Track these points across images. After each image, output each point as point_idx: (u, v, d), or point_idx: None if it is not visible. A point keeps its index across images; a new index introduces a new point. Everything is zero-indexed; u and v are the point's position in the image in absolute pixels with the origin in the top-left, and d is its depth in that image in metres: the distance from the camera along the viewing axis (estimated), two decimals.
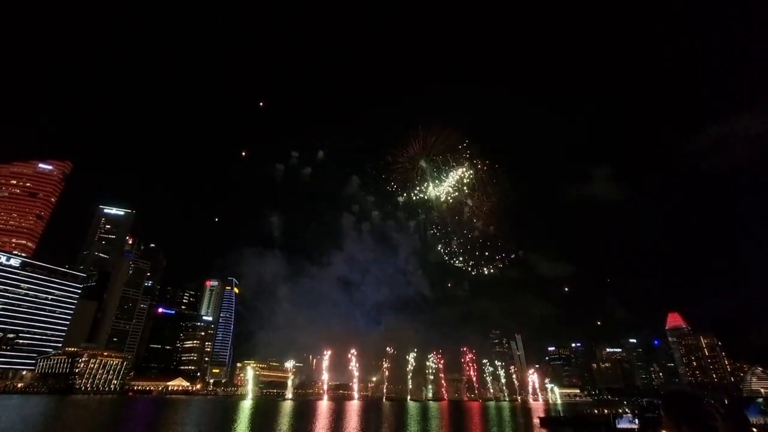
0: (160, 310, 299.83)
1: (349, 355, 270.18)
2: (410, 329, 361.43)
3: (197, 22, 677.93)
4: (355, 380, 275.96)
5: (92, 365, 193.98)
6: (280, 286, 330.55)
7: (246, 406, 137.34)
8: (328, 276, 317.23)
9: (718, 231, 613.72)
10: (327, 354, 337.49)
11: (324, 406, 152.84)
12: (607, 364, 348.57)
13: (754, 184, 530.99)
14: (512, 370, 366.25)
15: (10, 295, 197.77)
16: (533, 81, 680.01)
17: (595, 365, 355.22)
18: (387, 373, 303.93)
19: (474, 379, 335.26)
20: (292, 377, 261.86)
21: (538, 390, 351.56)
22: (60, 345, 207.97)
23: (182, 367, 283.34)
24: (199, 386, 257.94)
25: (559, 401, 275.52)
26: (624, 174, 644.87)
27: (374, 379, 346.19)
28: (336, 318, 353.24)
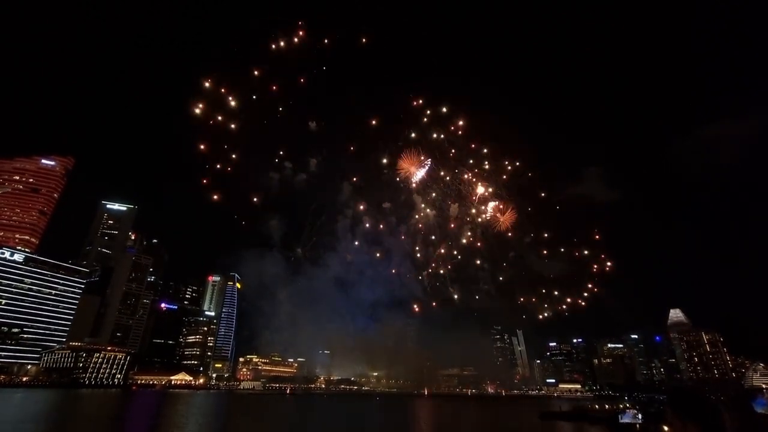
0: (163, 305, 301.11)
1: None
2: (408, 326, 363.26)
3: (200, 21, 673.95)
4: None
5: (96, 359, 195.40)
6: (280, 286, 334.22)
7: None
8: (325, 276, 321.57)
9: (716, 230, 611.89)
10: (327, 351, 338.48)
11: None
12: (608, 360, 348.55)
13: (748, 184, 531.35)
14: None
15: (14, 290, 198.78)
16: (528, 81, 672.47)
17: (596, 361, 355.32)
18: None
19: None
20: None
21: (539, 384, 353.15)
22: (64, 339, 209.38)
23: (185, 362, 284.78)
24: (201, 381, 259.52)
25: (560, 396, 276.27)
26: (615, 175, 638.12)
27: (375, 373, 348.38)
28: (334, 316, 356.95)
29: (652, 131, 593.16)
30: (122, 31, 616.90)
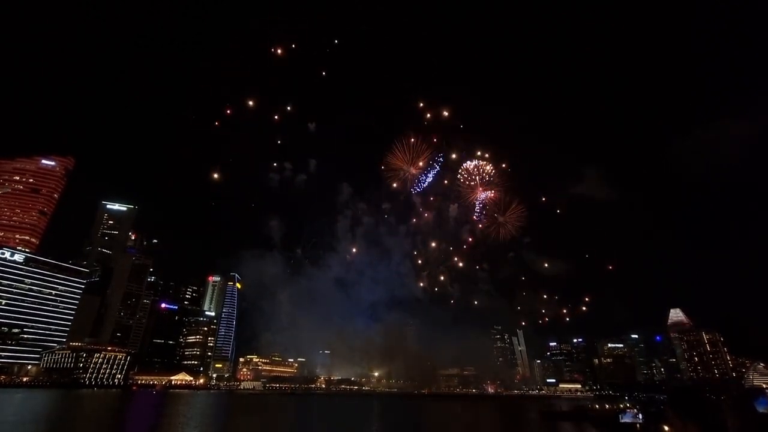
0: (163, 305, 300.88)
1: None
2: (408, 325, 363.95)
3: (200, 21, 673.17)
4: None
5: (96, 360, 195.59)
6: (281, 286, 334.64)
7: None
8: (325, 277, 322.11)
9: (716, 230, 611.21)
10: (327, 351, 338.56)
11: None
12: (608, 360, 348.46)
13: (748, 184, 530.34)
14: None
15: (15, 290, 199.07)
16: (527, 82, 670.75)
17: (596, 361, 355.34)
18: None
19: None
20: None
21: (539, 384, 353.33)
22: (64, 340, 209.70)
23: (185, 362, 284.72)
24: (202, 381, 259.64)
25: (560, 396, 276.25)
26: (615, 175, 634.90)
27: (376, 373, 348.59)
28: (334, 316, 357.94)
29: (652, 131, 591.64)
30: (122, 31, 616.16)
